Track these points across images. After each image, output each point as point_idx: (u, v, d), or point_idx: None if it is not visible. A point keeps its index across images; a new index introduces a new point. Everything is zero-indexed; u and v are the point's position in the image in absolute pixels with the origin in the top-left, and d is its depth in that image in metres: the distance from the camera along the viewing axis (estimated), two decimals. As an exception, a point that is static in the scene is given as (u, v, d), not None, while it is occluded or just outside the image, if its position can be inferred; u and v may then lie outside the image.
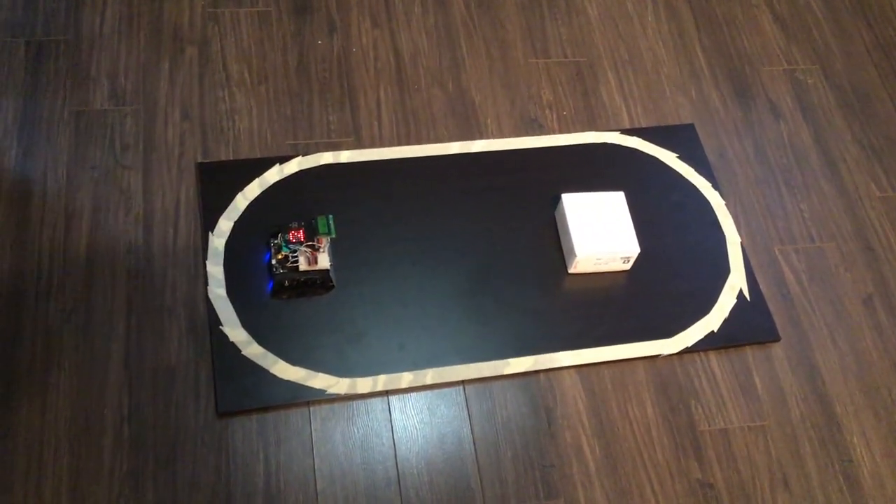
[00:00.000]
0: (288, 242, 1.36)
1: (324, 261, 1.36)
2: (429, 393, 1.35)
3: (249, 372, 1.30)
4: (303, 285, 1.37)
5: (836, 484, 1.37)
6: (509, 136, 1.60)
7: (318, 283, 1.37)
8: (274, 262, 1.36)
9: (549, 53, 1.71)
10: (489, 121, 1.61)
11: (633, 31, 1.77)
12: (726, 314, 1.47)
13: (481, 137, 1.59)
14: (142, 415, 1.26)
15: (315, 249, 1.36)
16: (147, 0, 1.62)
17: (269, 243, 1.38)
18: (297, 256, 1.36)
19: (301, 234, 1.37)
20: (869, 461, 1.39)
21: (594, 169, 1.58)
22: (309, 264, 1.36)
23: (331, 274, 1.37)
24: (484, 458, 1.31)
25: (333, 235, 1.38)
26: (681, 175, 1.61)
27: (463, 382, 1.36)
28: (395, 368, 1.34)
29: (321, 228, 1.37)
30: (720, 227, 1.56)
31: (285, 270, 1.35)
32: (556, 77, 1.68)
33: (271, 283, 1.37)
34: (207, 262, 1.38)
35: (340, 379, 1.32)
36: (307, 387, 1.31)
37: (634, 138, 1.63)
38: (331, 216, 1.39)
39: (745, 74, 1.76)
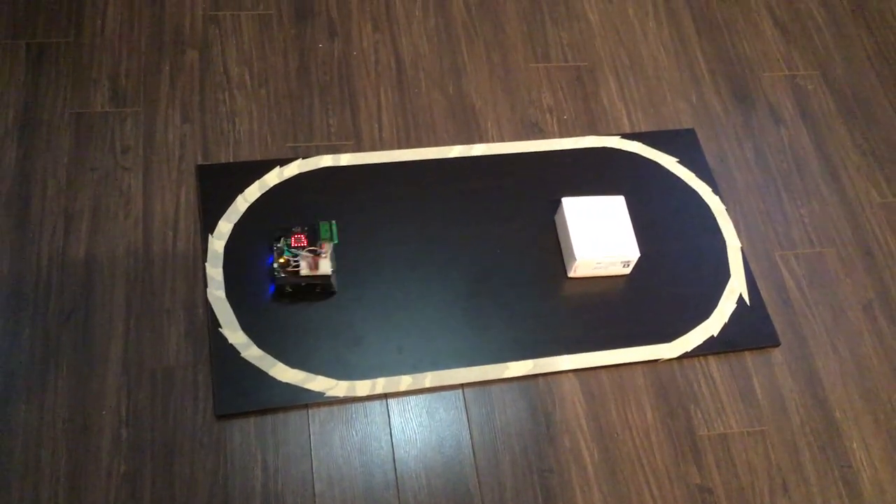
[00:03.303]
0: (290, 247, 1.36)
1: (325, 266, 1.36)
2: (428, 396, 1.35)
3: (248, 374, 1.30)
4: (304, 290, 1.37)
5: (835, 490, 1.36)
6: (510, 139, 1.60)
7: (319, 288, 1.37)
8: (276, 265, 1.36)
9: (550, 58, 1.71)
10: (489, 124, 1.61)
11: (634, 35, 1.78)
12: (726, 319, 1.47)
13: (481, 141, 1.59)
14: (140, 417, 1.26)
15: (317, 255, 1.36)
16: (148, 2, 1.62)
17: (271, 246, 1.38)
18: (298, 261, 1.35)
19: (304, 239, 1.37)
20: (868, 467, 1.39)
21: (594, 173, 1.58)
22: (311, 269, 1.36)
23: (332, 280, 1.37)
24: (482, 463, 1.31)
25: (336, 241, 1.38)
26: (681, 180, 1.61)
27: (462, 386, 1.36)
28: (394, 371, 1.34)
29: (323, 234, 1.37)
30: (720, 231, 1.56)
31: (287, 275, 1.35)
32: (556, 81, 1.68)
33: (272, 287, 1.36)
34: (207, 265, 1.38)
35: (339, 382, 1.32)
36: (306, 389, 1.30)
37: (635, 143, 1.63)
38: (333, 222, 1.39)
39: (746, 80, 1.76)
